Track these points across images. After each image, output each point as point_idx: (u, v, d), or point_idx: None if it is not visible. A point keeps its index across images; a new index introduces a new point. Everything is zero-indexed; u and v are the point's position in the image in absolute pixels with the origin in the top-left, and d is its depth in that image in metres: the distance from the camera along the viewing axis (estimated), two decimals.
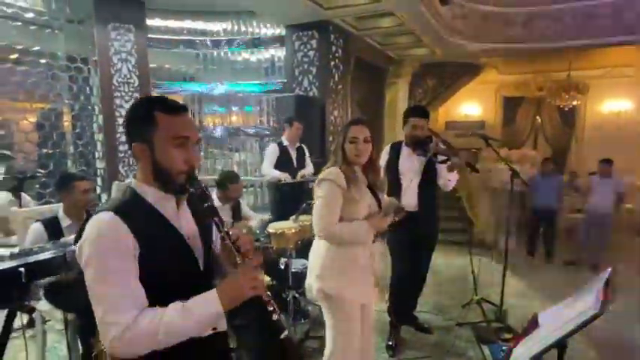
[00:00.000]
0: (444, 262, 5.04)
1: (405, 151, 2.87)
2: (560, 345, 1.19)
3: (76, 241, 0.98)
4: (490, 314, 3.30)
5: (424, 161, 2.78)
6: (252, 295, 0.99)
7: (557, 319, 1.29)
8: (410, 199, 2.78)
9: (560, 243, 5.62)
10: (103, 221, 0.95)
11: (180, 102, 5.28)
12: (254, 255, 1.04)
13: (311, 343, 2.90)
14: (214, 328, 0.99)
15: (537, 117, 9.60)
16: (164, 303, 0.96)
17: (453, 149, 2.70)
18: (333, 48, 5.70)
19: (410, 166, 2.82)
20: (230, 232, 1.04)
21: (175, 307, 0.94)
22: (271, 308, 1.02)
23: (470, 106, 10.26)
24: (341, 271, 1.84)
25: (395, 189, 2.77)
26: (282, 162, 3.99)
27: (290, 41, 5.70)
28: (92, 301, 0.93)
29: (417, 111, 2.84)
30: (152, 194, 1.04)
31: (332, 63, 5.70)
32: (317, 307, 3.14)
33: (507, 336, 3.00)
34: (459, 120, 10.30)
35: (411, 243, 2.89)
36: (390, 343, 2.92)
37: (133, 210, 0.99)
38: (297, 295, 3.13)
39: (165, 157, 1.01)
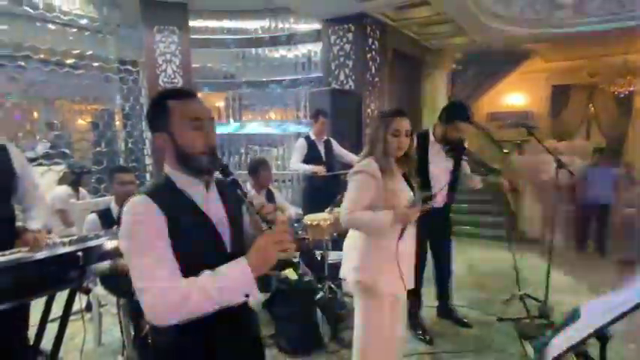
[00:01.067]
0: (484, 256, 4.90)
1: (435, 148, 2.78)
2: (602, 336, 1.15)
3: (118, 224, 1.06)
4: (534, 310, 3.19)
5: (452, 162, 2.79)
6: (281, 256, 1.01)
7: (600, 310, 1.24)
8: (440, 200, 2.79)
9: (614, 239, 5.27)
10: (135, 202, 1.04)
11: (222, 100, 5.45)
12: (282, 225, 1.06)
13: (347, 334, 2.93)
14: (247, 296, 1.01)
15: (590, 105, 9.02)
16: None
17: (495, 169, 2.72)
18: (370, 40, 5.66)
19: (441, 168, 2.78)
20: (254, 202, 1.08)
21: (208, 273, 1.00)
22: (302, 271, 1.05)
23: (515, 96, 9.79)
24: (378, 263, 1.84)
25: (423, 188, 2.73)
26: (312, 156, 3.99)
27: (326, 35, 5.73)
28: (131, 274, 1.00)
29: (465, 114, 2.68)
30: (181, 179, 1.10)
31: (368, 55, 5.66)
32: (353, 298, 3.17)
33: None
34: (502, 111, 9.87)
35: (426, 234, 2.90)
36: (419, 333, 2.92)
37: (163, 193, 1.07)
38: (332, 286, 3.18)
39: (185, 141, 1.07)
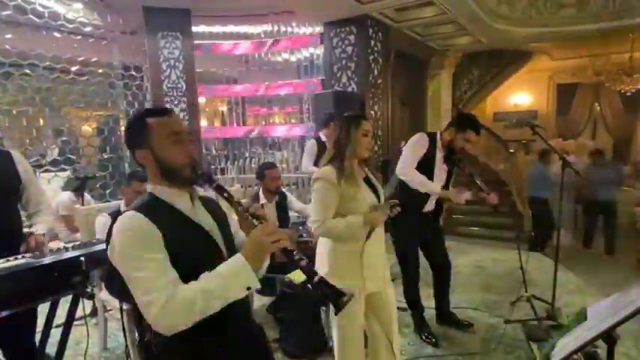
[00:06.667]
0: (491, 257, 4.85)
1: (439, 155, 2.79)
2: (609, 337, 1.12)
3: (107, 241, 1.05)
4: (541, 312, 3.15)
5: (446, 170, 2.82)
6: (276, 248, 1.03)
7: (607, 311, 1.22)
8: (431, 206, 2.88)
9: (624, 238, 5.20)
10: (127, 218, 1.03)
11: (225, 104, 5.47)
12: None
13: None
14: (249, 288, 1.03)
15: (596, 104, 8.94)
16: None
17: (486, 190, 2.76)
18: (372, 42, 5.66)
19: (440, 176, 2.81)
20: (242, 202, 1.11)
21: (207, 274, 1.01)
22: (298, 257, 1.05)
23: (520, 95, 9.75)
24: (343, 266, 1.88)
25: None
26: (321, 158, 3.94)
27: (328, 38, 5.74)
28: (131, 291, 1.01)
29: (476, 126, 2.72)
30: (166, 193, 1.12)
31: (371, 57, 5.66)
32: None
33: None
34: (507, 111, 9.82)
35: (419, 238, 2.95)
36: (425, 336, 2.89)
37: (153, 208, 1.07)
38: None
39: (166, 155, 1.10)
